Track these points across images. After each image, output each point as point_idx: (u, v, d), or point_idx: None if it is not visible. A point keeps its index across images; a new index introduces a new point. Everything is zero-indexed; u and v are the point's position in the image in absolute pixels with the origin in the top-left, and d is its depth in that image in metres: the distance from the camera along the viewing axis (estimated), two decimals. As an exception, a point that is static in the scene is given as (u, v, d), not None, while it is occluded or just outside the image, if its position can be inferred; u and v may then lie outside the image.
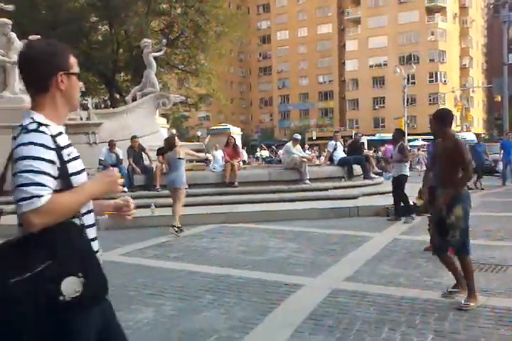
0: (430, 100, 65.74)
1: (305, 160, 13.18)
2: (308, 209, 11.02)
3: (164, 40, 18.99)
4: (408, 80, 46.96)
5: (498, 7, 36.79)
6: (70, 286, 1.73)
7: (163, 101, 14.88)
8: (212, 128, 32.59)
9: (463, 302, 4.74)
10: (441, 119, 5.09)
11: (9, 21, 13.92)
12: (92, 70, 32.29)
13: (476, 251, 6.06)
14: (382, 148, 27.10)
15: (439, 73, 66.20)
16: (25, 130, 1.88)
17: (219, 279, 5.98)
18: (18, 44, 14.12)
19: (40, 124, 1.90)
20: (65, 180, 1.87)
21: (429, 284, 5.60)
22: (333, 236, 8.79)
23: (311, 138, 59.88)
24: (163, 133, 16.55)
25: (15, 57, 13.80)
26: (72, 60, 2.04)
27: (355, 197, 12.23)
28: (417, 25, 66.67)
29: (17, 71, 13.57)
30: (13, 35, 13.93)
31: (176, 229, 8.92)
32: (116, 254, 7.48)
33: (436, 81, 66.21)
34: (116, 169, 2.18)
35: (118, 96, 34.56)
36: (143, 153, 12.60)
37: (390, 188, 13.67)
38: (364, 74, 70.76)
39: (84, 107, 48.84)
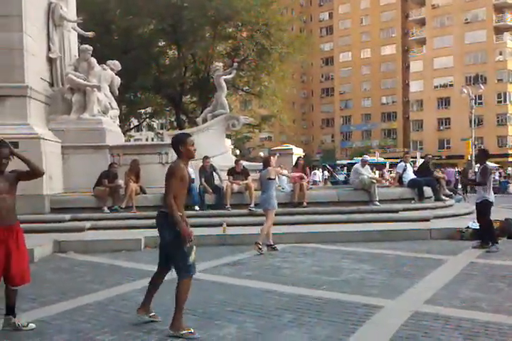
0: (498, 121, 63.82)
1: (374, 181, 13.09)
2: (379, 230, 10.89)
3: (235, 64, 19.46)
4: (475, 101, 45.84)
5: None
6: None
7: (233, 122, 15.23)
8: (275, 148, 32.83)
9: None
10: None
11: (90, 47, 14.66)
12: (161, 93, 33.47)
13: None
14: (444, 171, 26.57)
15: (507, 93, 64.21)
16: None
17: (296, 298, 6.02)
18: (98, 69, 14.88)
19: None
20: None
21: (514, 310, 5.45)
22: (407, 258, 8.66)
23: (373, 159, 59.14)
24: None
25: (94, 81, 14.53)
26: None
27: (426, 220, 11.99)
28: (484, 45, 65.10)
29: (96, 94, 14.39)
30: (94, 60, 14.65)
31: (260, 247, 9.14)
32: (192, 271, 7.68)
33: (505, 101, 64.18)
34: None
35: (184, 117, 35.57)
36: (214, 173, 12.89)
37: (462, 211, 13.49)
38: (429, 94, 69.56)
39: (151, 128, 50.02)
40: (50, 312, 5.59)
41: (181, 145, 4.87)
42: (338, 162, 50.66)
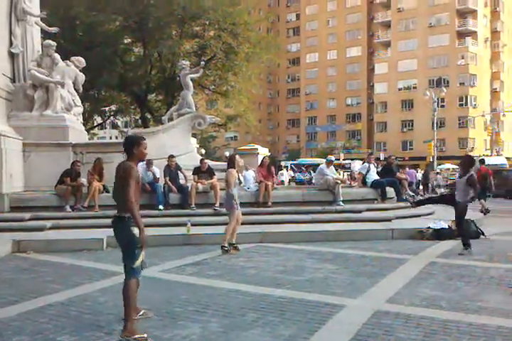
0: (460, 124, 65.26)
1: (338, 181, 13.22)
2: (342, 230, 11.02)
3: (203, 63, 19.34)
4: (438, 103, 46.81)
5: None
6: None
7: (199, 121, 15.15)
8: (240, 148, 32.82)
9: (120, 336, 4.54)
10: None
11: (53, 43, 14.38)
12: (125, 91, 33.05)
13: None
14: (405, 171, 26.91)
15: (469, 97, 65.80)
16: None
17: (260, 298, 6.04)
18: (61, 65, 14.61)
19: None
20: None
21: (471, 308, 5.58)
22: (369, 258, 8.78)
23: (337, 160, 59.78)
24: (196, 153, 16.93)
25: (58, 78, 14.27)
26: None
27: (388, 220, 12.18)
28: (447, 49, 66.64)
29: (59, 90, 14.13)
30: (57, 56, 14.38)
31: (226, 249, 9.11)
32: (155, 271, 7.58)
33: (466, 104, 65.82)
34: None
35: (149, 115, 35.21)
36: (179, 172, 12.81)
37: (423, 211, 13.72)
38: (393, 96, 70.77)
39: (115, 126, 49.40)
40: (9, 313, 5.46)
41: (136, 147, 4.80)
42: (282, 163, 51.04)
